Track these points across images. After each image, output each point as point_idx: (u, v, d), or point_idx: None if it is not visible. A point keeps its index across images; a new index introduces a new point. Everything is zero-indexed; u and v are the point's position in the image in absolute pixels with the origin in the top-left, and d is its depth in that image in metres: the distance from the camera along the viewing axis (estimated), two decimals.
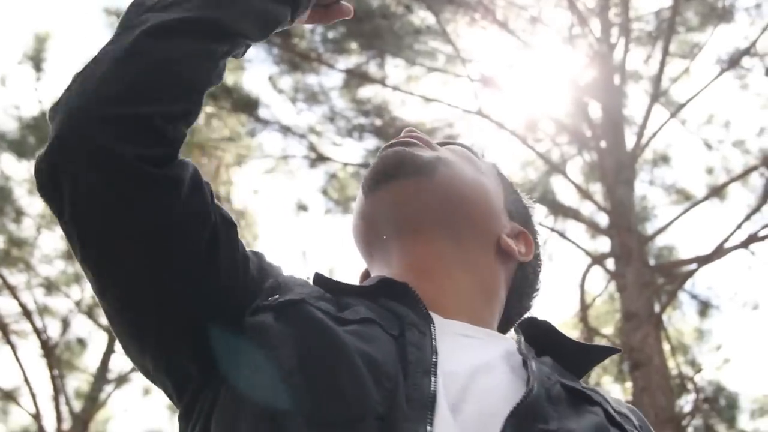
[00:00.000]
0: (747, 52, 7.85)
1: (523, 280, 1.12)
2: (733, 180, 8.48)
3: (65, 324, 11.25)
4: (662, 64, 7.74)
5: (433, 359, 0.80)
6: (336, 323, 0.82)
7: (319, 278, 0.97)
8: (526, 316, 1.01)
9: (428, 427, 0.72)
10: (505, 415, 0.75)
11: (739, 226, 7.03)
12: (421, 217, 1.02)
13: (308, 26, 8.52)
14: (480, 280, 1.03)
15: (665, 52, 7.69)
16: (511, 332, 1.02)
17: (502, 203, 1.11)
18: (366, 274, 1.13)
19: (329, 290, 0.93)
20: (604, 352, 1.00)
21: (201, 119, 9.93)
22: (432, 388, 0.76)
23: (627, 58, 8.27)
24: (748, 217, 7.20)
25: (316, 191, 10.04)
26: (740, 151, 9.03)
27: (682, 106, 8.22)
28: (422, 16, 8.25)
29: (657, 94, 7.89)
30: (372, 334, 0.82)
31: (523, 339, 0.90)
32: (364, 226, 1.07)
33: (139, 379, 11.84)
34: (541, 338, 0.94)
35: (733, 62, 7.90)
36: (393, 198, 1.02)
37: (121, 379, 11.19)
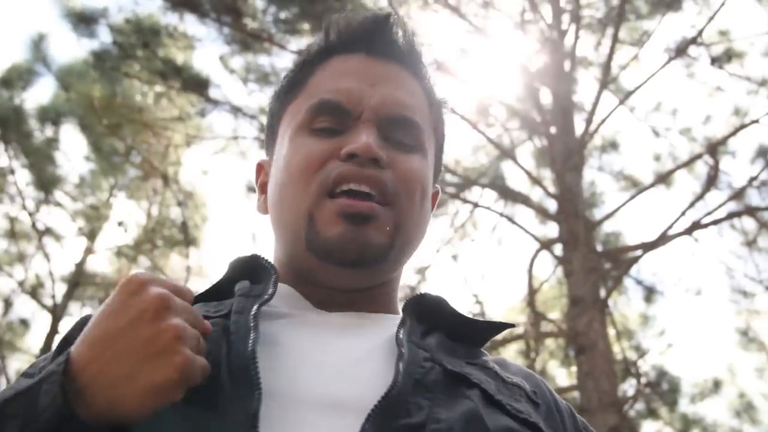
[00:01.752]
0: (694, 41, 7.94)
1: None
2: (679, 167, 8.61)
3: (7, 304, 11.08)
4: (612, 51, 7.80)
5: (252, 335, 0.78)
6: None
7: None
8: (418, 293, 0.94)
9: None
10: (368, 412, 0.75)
11: (683, 213, 7.15)
12: (362, 290, 1.00)
13: (260, 6, 8.49)
14: (388, 289, 1.05)
15: (615, 40, 7.75)
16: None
17: (431, 184, 1.09)
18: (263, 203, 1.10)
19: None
20: (494, 328, 1.00)
21: (150, 98, 9.80)
22: (254, 373, 0.75)
23: (577, 44, 8.33)
24: (692, 205, 7.33)
25: None
26: (686, 139, 9.17)
27: (630, 93, 8.30)
28: None
29: (606, 81, 7.95)
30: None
31: (407, 323, 0.88)
32: (293, 263, 1.01)
33: None
34: (433, 314, 0.94)
35: (681, 51, 8.00)
36: (340, 281, 0.98)
37: None
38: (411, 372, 0.80)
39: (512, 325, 1.02)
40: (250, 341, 0.77)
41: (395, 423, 0.74)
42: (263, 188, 1.10)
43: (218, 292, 0.94)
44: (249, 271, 0.93)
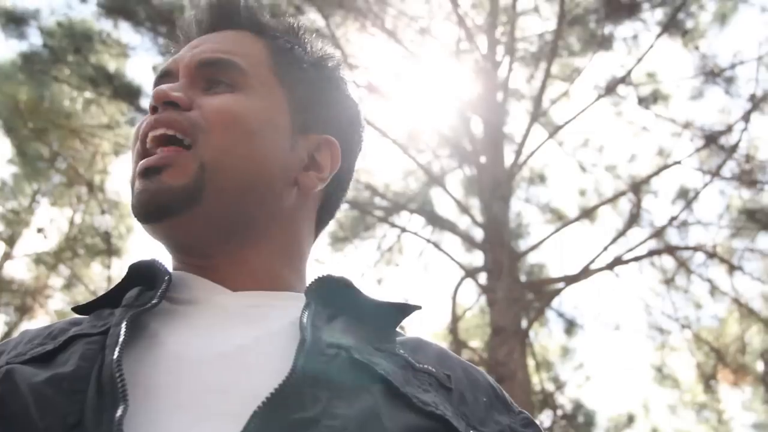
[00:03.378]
0: (623, 80, 8.14)
1: (339, 179, 1.04)
2: (603, 203, 8.78)
3: None
4: (543, 85, 7.93)
5: (120, 340, 0.73)
6: (38, 364, 0.75)
7: (74, 309, 0.91)
8: (321, 274, 0.86)
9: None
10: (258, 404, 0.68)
11: (605, 249, 7.28)
12: (201, 245, 0.92)
13: None
14: (276, 244, 0.95)
15: (547, 74, 7.88)
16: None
17: (288, 131, 0.97)
18: None
19: (88, 310, 0.88)
20: (403, 311, 0.92)
21: (79, 104, 9.63)
22: (119, 380, 0.69)
23: (510, 76, 8.46)
24: (614, 241, 7.47)
25: None
26: (612, 176, 9.36)
27: (560, 127, 8.44)
28: (312, 18, 8.21)
29: (537, 114, 8.08)
30: (71, 351, 0.76)
31: (312, 306, 0.81)
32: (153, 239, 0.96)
33: None
34: (339, 297, 0.86)
35: (610, 89, 8.18)
36: (163, 238, 0.93)
37: None
38: (312, 360, 0.73)
39: (418, 307, 0.93)
40: (117, 349, 0.72)
41: (287, 418, 0.68)
42: None
43: (115, 299, 0.87)
44: (146, 276, 0.86)
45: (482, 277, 7.65)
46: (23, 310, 11.08)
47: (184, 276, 0.90)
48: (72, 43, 8.31)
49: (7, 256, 11.31)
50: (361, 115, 1.11)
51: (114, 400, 0.68)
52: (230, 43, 0.99)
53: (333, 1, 7.63)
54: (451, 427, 0.75)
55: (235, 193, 0.90)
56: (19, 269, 11.76)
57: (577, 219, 8.63)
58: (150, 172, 0.88)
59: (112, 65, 8.88)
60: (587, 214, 8.88)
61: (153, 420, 0.69)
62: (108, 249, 10.13)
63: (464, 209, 8.35)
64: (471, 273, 7.82)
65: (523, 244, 9.06)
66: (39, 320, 11.24)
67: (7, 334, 11.02)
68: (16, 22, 8.32)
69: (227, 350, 0.77)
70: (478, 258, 8.54)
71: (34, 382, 0.71)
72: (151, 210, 0.89)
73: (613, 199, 8.66)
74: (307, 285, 0.86)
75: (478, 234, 8.12)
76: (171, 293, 0.85)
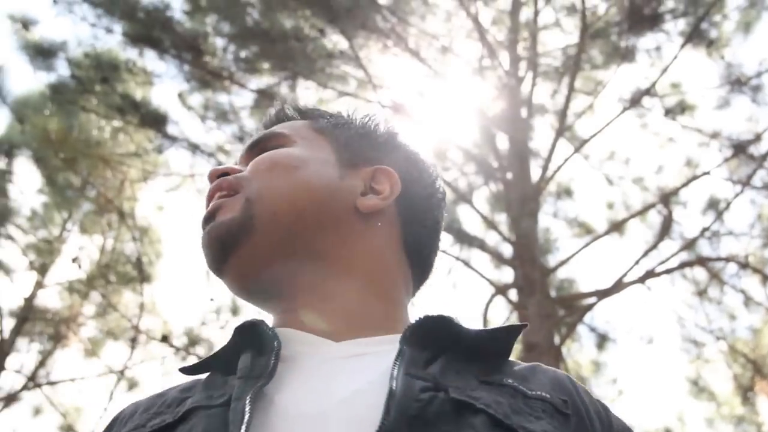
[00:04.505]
0: (647, 92, 8.11)
1: (410, 210, 1.06)
2: (632, 216, 8.74)
3: None
4: (567, 99, 7.92)
5: (246, 419, 0.75)
6: None
7: (182, 371, 0.95)
8: (418, 318, 0.87)
9: None
10: None
11: (637, 262, 7.24)
12: (270, 271, 0.96)
13: (220, 44, 8.51)
14: (362, 273, 0.98)
15: (571, 88, 7.88)
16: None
17: (335, 166, 1.03)
18: None
19: (195, 371, 0.93)
20: (507, 334, 0.91)
21: (107, 133, 9.74)
22: None
23: (534, 91, 8.46)
24: (645, 254, 7.42)
25: None
26: (639, 188, 9.32)
27: (585, 141, 8.42)
28: (335, 41, 8.27)
29: (562, 129, 8.06)
30: (192, 424, 0.79)
31: (405, 353, 0.82)
32: (241, 298, 1.02)
33: (29, 398, 11.48)
34: (438, 337, 0.86)
35: (634, 101, 8.15)
36: (236, 277, 0.97)
37: (11, 398, 10.82)
38: (404, 409, 0.74)
39: (524, 326, 0.93)
40: (243, 428, 0.74)
41: None
42: None
43: (223, 362, 0.90)
44: (252, 338, 0.88)
45: (513, 294, 7.62)
46: (57, 339, 11.17)
47: (286, 332, 0.91)
48: (99, 72, 8.42)
49: (40, 285, 11.41)
50: (420, 154, 1.15)
51: None
52: (275, 127, 1.10)
53: (355, 22, 7.67)
54: None
55: (287, 216, 0.96)
56: (52, 298, 11.86)
57: (606, 233, 8.59)
58: (206, 220, 0.98)
59: (138, 93, 8.98)
60: (616, 227, 8.84)
61: None
62: (140, 275, 10.21)
63: (492, 226, 8.34)
64: (501, 290, 7.79)
65: (552, 259, 9.02)
66: (73, 349, 11.32)
67: (42, 363, 11.12)
68: (44, 54, 8.45)
69: (330, 406, 0.78)
70: (507, 274, 8.52)
71: None
72: (215, 249, 0.96)
73: (641, 212, 8.61)
74: (402, 332, 0.86)
75: (507, 250, 8.10)
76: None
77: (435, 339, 0.86)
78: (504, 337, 0.91)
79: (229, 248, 0.95)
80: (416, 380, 0.78)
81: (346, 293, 0.95)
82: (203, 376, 0.93)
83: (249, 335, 0.89)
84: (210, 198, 1.01)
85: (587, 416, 0.86)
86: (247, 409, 0.76)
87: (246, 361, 0.85)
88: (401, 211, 1.05)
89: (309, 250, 0.96)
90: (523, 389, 0.83)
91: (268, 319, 0.97)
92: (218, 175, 1.01)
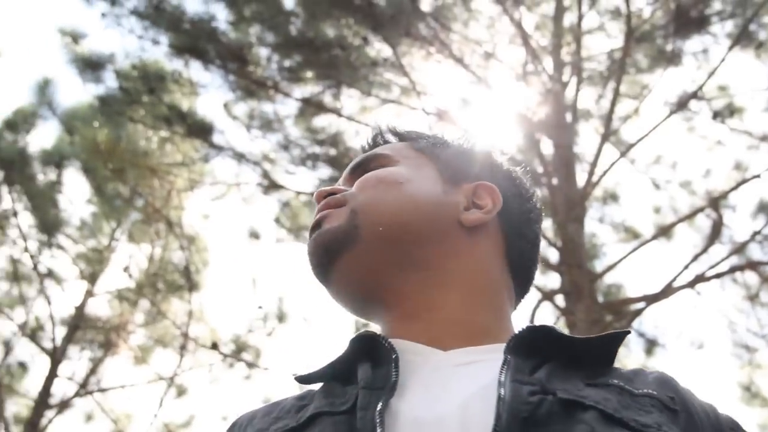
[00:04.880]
0: (694, 95, 8.02)
1: (512, 224, 1.08)
2: (680, 220, 8.64)
3: (7, 347, 11.06)
4: (613, 103, 7.86)
5: (378, 422, 0.78)
6: None
7: (297, 379, 0.98)
8: (521, 328, 0.90)
9: None
10: None
11: (686, 267, 7.15)
12: (374, 279, 0.99)
13: (265, 54, 8.59)
14: (468, 284, 1.00)
15: (616, 93, 7.82)
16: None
17: (438, 182, 1.06)
18: None
19: (310, 381, 0.97)
20: (613, 340, 0.92)
21: (154, 143, 9.87)
22: None
23: (579, 96, 8.40)
24: (695, 258, 7.33)
25: (269, 219, 10.02)
26: (687, 192, 9.21)
27: (631, 145, 8.34)
28: (378, 48, 8.30)
29: (607, 133, 8.00)
30: (319, 429, 0.83)
31: (510, 362, 0.85)
32: (343, 307, 1.05)
33: (81, 405, 11.66)
34: (542, 346, 0.89)
35: (681, 105, 8.07)
36: (341, 283, 1.01)
37: (63, 405, 11.00)
38: (515, 412, 0.76)
39: (627, 332, 0.94)
40: None
41: None
42: None
43: (339, 372, 0.93)
44: (368, 350, 0.92)
45: (560, 299, 7.57)
46: (107, 347, 11.33)
47: (398, 343, 0.93)
48: (146, 84, 8.55)
49: (90, 293, 11.59)
50: (517, 171, 1.18)
51: None
52: (376, 149, 1.15)
53: (399, 30, 7.69)
54: None
55: (391, 227, 0.99)
56: (102, 306, 12.04)
57: (653, 237, 8.50)
58: (313, 229, 1.03)
59: (184, 104, 9.09)
60: (664, 231, 8.75)
61: None
62: (188, 283, 10.32)
63: None
64: (548, 295, 7.74)
65: (599, 265, 8.95)
66: (123, 356, 11.47)
67: (93, 371, 11.28)
68: (92, 67, 8.60)
69: (447, 412, 0.81)
70: (554, 280, 8.47)
71: None
72: (320, 255, 1.00)
73: (689, 216, 8.51)
74: (506, 343, 0.88)
75: (553, 255, 8.05)
76: None
77: (539, 348, 0.88)
78: (608, 343, 0.92)
79: (333, 255, 0.99)
80: (524, 386, 0.80)
81: (451, 303, 0.98)
82: (316, 386, 0.96)
83: (365, 347, 0.92)
84: (318, 210, 1.06)
85: (695, 412, 0.87)
86: (378, 419, 0.79)
87: (366, 372, 0.88)
88: (503, 225, 1.07)
89: (413, 261, 0.99)
90: (630, 388, 0.85)
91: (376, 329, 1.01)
92: (325, 196, 1.06)
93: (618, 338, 0.92)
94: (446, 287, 0.99)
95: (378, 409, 0.80)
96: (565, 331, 0.92)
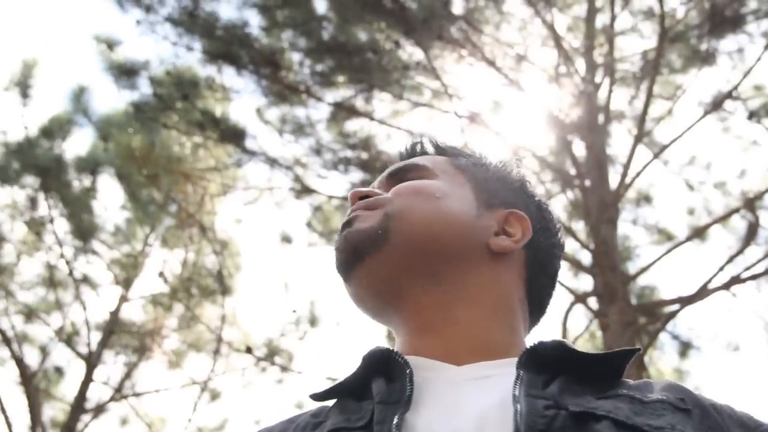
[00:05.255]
0: (729, 95, 7.95)
1: (536, 256, 1.10)
2: (715, 222, 8.56)
3: (44, 352, 11.17)
4: (646, 104, 7.81)
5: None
6: None
7: (313, 397, 1.00)
8: (532, 343, 0.92)
9: None
10: None
11: (721, 268, 7.08)
12: (396, 285, 1.01)
13: (297, 59, 8.63)
14: (486, 304, 1.01)
15: (649, 93, 7.77)
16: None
17: (473, 203, 1.08)
18: None
19: (325, 398, 0.99)
20: (624, 357, 0.94)
21: (188, 149, 9.95)
22: None
23: (611, 98, 8.36)
24: (730, 259, 7.26)
25: (301, 223, 10.06)
26: (721, 193, 9.13)
27: (665, 146, 8.30)
28: (410, 52, 8.32)
29: (641, 135, 7.95)
30: None
31: (523, 377, 0.86)
32: (360, 308, 1.07)
33: (116, 409, 11.75)
34: (553, 361, 0.90)
35: (716, 105, 8.00)
36: (362, 283, 1.02)
37: (99, 409, 11.10)
38: (532, 425, 0.78)
39: (637, 350, 0.96)
40: None
41: None
42: None
43: (353, 388, 0.95)
44: (381, 365, 0.93)
45: (593, 302, 7.53)
46: (142, 351, 11.42)
47: (411, 359, 0.94)
48: (180, 90, 8.62)
49: (124, 298, 11.69)
50: (549, 204, 1.20)
51: None
52: (417, 159, 1.16)
53: (431, 33, 7.70)
54: None
55: (421, 237, 1.01)
56: (136, 311, 12.14)
57: (687, 239, 8.43)
58: (344, 226, 1.05)
59: (217, 109, 9.16)
60: (698, 233, 8.68)
61: None
62: (221, 288, 10.38)
63: (570, 233, 8.26)
64: (581, 298, 7.70)
65: (632, 267, 8.89)
66: (157, 361, 11.56)
67: (128, 375, 11.37)
68: (127, 73, 8.69)
69: (463, 425, 0.82)
70: (587, 282, 8.42)
71: None
72: (347, 253, 1.02)
73: (724, 217, 8.43)
74: (518, 358, 0.89)
75: (586, 258, 8.01)
76: None
77: (550, 363, 0.89)
78: (618, 359, 0.94)
79: (360, 254, 1.00)
80: (538, 399, 0.82)
81: (468, 320, 0.99)
82: (329, 402, 0.98)
83: (378, 362, 0.94)
84: (352, 210, 1.08)
85: (709, 407, 0.88)
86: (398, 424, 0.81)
87: (381, 387, 0.89)
88: (527, 255, 1.09)
89: (436, 274, 1.01)
90: (640, 397, 0.86)
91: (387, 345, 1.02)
92: (360, 197, 1.08)
93: (628, 354, 0.94)
94: (465, 304, 1.00)
95: (394, 422, 0.81)
96: (576, 347, 0.93)
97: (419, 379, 0.89)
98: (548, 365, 0.89)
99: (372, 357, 0.95)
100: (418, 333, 1.00)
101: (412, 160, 1.15)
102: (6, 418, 9.73)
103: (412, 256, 1.00)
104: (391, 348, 0.95)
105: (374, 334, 10.10)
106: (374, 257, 0.99)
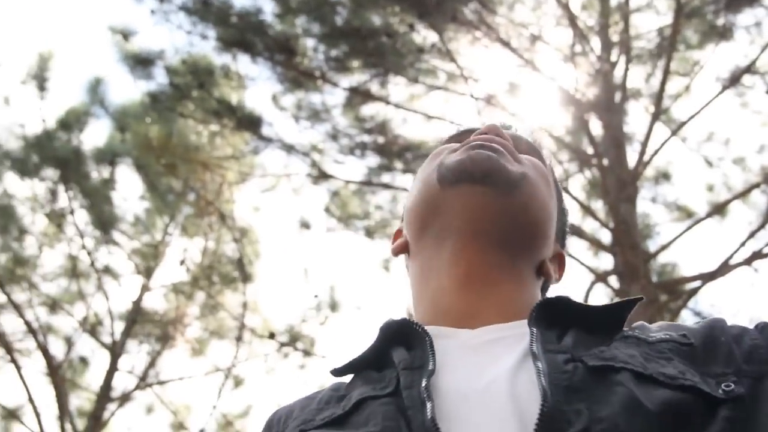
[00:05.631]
0: (747, 70, 7.90)
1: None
2: (734, 197, 8.52)
3: (69, 343, 11.27)
4: (663, 82, 7.77)
5: (425, 397, 0.80)
6: (336, 427, 0.85)
7: (333, 373, 1.00)
8: (539, 301, 0.94)
9: None
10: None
11: (742, 244, 7.06)
12: (489, 228, 1.01)
13: (311, 44, 8.64)
14: (520, 293, 1.03)
15: (666, 70, 7.72)
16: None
17: (553, 227, 1.12)
18: (402, 243, 1.15)
19: (345, 373, 0.98)
20: (626, 306, 0.95)
21: (205, 137, 9.99)
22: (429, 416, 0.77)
23: (628, 76, 8.32)
24: (752, 235, 7.23)
25: (319, 209, 10.09)
26: (741, 169, 9.08)
27: (683, 123, 8.25)
28: (425, 35, 8.30)
29: (658, 112, 7.91)
30: (367, 413, 0.84)
31: (537, 334, 0.87)
32: (427, 213, 1.07)
33: (141, 398, 11.86)
34: (562, 316, 0.91)
35: (734, 80, 7.95)
36: (470, 202, 1.01)
37: (124, 398, 11.20)
38: (556, 381, 0.79)
39: (640, 298, 0.97)
40: (428, 410, 0.79)
41: None
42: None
43: (373, 360, 0.96)
44: (401, 336, 0.94)
45: (613, 281, 7.52)
46: (165, 340, 11.50)
47: (429, 329, 0.95)
48: (195, 79, 8.65)
49: (146, 288, 11.76)
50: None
51: None
52: (535, 142, 1.19)
53: (445, 16, 7.68)
54: (702, 392, 0.78)
55: (534, 217, 1.05)
56: (158, 300, 12.21)
57: (707, 216, 8.39)
58: (490, 149, 1.04)
59: (233, 97, 9.18)
60: (718, 209, 8.63)
61: None
62: (241, 275, 10.44)
63: (589, 212, 8.24)
64: (601, 277, 7.69)
65: (652, 245, 8.86)
66: (180, 349, 11.64)
67: (151, 364, 11.46)
68: (143, 63, 8.73)
69: (492, 385, 0.83)
70: (606, 261, 8.41)
71: None
72: (485, 169, 1.01)
73: (744, 193, 8.38)
74: (528, 316, 0.91)
75: (606, 237, 8.00)
76: None
77: (558, 318, 0.91)
78: (621, 309, 0.95)
79: (489, 181, 1.01)
80: (557, 354, 0.83)
81: (503, 293, 1.01)
82: (346, 379, 0.99)
83: (396, 333, 0.95)
84: (493, 135, 1.08)
85: (713, 330, 0.88)
86: (424, 394, 0.81)
87: (402, 355, 0.90)
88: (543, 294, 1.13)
89: (513, 249, 1.04)
90: (644, 337, 0.88)
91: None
92: (497, 134, 1.08)
93: (631, 304, 0.95)
94: (510, 284, 1.02)
95: (423, 385, 0.82)
96: (579, 301, 0.95)
97: (439, 346, 0.90)
98: (557, 320, 0.90)
99: (389, 328, 0.96)
100: (458, 278, 1.01)
101: (537, 142, 1.18)
102: (34, 407, 9.85)
103: (514, 221, 1.02)
104: (407, 317, 0.96)
105: (394, 316, 10.13)
106: (494, 194, 1.00)
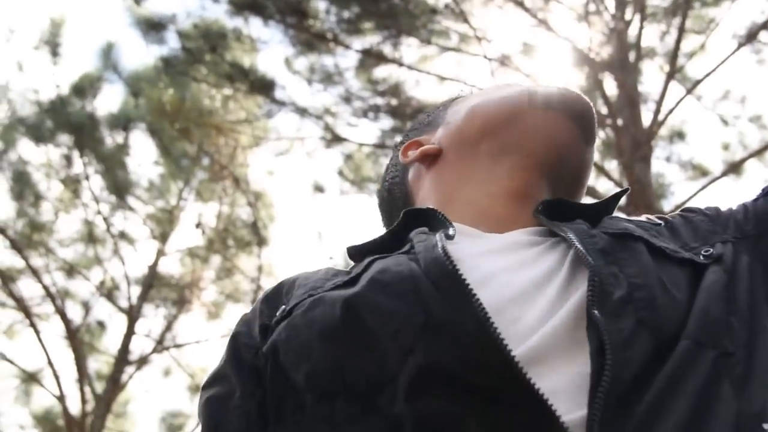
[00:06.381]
0: (764, 26, 7.81)
1: None
2: (750, 156, 8.47)
3: (86, 307, 11.37)
4: (678, 40, 7.70)
5: (441, 245, 0.79)
6: (348, 288, 0.80)
7: (349, 251, 0.97)
8: (541, 200, 0.97)
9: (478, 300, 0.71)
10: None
11: None
12: (560, 171, 1.03)
13: (323, 6, 8.59)
14: None
15: (681, 28, 7.66)
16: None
17: None
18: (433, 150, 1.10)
19: (360, 255, 0.93)
20: (616, 197, 1.00)
21: (218, 101, 9.98)
22: (458, 272, 0.74)
23: (642, 34, 8.24)
24: None
25: (332, 172, 10.10)
26: (757, 127, 9.02)
27: (698, 82, 8.18)
28: None
29: (673, 71, 7.86)
30: (383, 264, 0.81)
31: (551, 216, 0.92)
32: (501, 125, 1.04)
33: (159, 361, 11.99)
34: (563, 209, 0.94)
35: (750, 37, 7.87)
36: (562, 136, 1.02)
37: (142, 361, 11.32)
38: (589, 245, 0.81)
39: (626, 190, 1.06)
40: (440, 246, 0.79)
41: (611, 296, 0.74)
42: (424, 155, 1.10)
43: (392, 243, 0.92)
44: (422, 221, 0.93)
45: None
46: (181, 303, 11.59)
47: (458, 226, 0.93)
48: (208, 43, 8.63)
49: (161, 253, 11.84)
50: None
51: (461, 291, 0.72)
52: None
53: None
54: (695, 264, 0.83)
55: (589, 175, 1.10)
56: (173, 265, 12.30)
57: (723, 174, 8.36)
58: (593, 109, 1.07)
59: (245, 61, 9.17)
60: (733, 168, 8.59)
61: (512, 311, 0.75)
62: (257, 239, 10.48)
63: (604, 172, 8.22)
64: None
65: (667, 204, 8.83)
66: (196, 312, 11.74)
67: (168, 327, 11.57)
68: (155, 28, 8.71)
69: (505, 242, 0.89)
70: None
71: (362, 298, 0.77)
72: (591, 117, 1.05)
73: (760, 151, 8.34)
74: (535, 207, 0.95)
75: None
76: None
77: (560, 214, 0.93)
78: (613, 201, 0.99)
79: (592, 130, 1.04)
80: (579, 224, 0.88)
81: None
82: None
83: (418, 219, 0.94)
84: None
85: (686, 213, 0.97)
86: (439, 238, 0.82)
87: (421, 229, 0.89)
88: None
89: (562, 183, 1.05)
90: (630, 218, 0.96)
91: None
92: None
93: (619, 195, 1.01)
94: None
95: (437, 237, 0.82)
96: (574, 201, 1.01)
97: (463, 236, 0.91)
98: (560, 211, 0.94)
99: (413, 213, 0.96)
100: (505, 191, 1.00)
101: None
102: (54, 371, 9.98)
103: (582, 180, 1.07)
104: (431, 207, 0.95)
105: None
106: (589, 147, 1.04)
